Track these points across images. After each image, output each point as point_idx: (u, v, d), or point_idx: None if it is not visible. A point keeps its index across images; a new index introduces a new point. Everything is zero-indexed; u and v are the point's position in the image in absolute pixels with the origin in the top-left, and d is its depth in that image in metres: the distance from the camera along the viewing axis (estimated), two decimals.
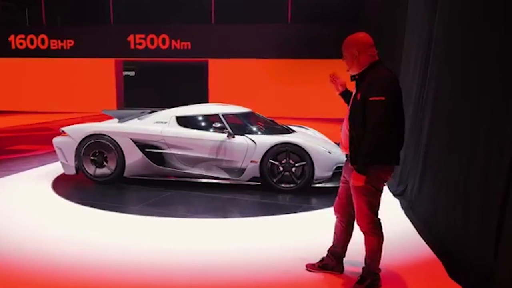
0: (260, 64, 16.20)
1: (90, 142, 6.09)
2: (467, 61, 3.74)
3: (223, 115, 6.16)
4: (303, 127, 6.93)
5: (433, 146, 4.48)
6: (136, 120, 6.42)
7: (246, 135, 5.97)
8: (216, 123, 6.00)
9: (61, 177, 6.48)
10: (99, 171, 6.15)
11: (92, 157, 6.13)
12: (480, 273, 3.02)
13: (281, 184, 5.77)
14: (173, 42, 16.78)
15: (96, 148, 6.11)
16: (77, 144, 6.11)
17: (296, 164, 5.69)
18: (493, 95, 3.17)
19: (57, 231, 4.37)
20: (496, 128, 3.06)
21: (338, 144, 3.45)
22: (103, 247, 3.93)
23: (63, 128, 6.33)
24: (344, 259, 3.39)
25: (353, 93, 3.06)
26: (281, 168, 5.73)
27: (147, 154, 6.03)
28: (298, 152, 5.66)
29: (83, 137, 6.10)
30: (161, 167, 6.03)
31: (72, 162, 6.17)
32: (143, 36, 16.87)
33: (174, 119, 6.23)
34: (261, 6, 16.41)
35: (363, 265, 3.17)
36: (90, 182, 6.21)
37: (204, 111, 6.47)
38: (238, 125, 6.25)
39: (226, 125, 6.02)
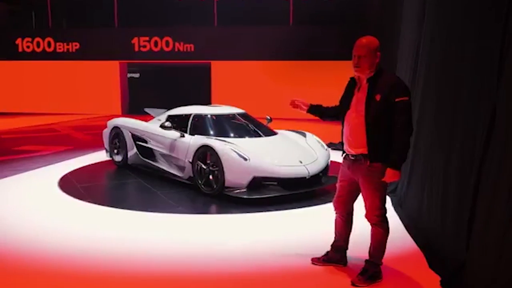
0: (262, 66, 16.38)
1: (113, 133, 7.41)
2: (448, 63, 3.96)
3: (194, 116, 6.48)
4: (301, 132, 6.68)
5: (419, 146, 4.70)
6: (155, 118, 7.25)
7: (197, 135, 6.10)
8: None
9: (67, 176, 6.76)
10: (117, 157, 7.40)
11: (114, 145, 7.42)
12: (454, 263, 3.25)
13: (204, 187, 5.67)
14: (177, 44, 17.03)
15: (116, 138, 7.38)
16: (108, 133, 7.49)
17: (217, 168, 5.48)
18: (466, 99, 3.41)
19: (63, 227, 4.61)
20: (468, 132, 3.29)
21: (340, 143, 3.44)
22: (106, 241, 4.19)
23: (108, 121, 7.72)
24: (348, 252, 3.59)
25: (366, 95, 3.12)
26: (207, 171, 5.63)
27: (137, 146, 6.98)
28: (216, 156, 5.47)
29: (111, 128, 7.50)
30: (144, 159, 6.83)
31: (108, 148, 7.57)
32: (147, 38, 17.15)
33: (166, 118, 6.84)
34: (263, 9, 16.61)
35: (367, 257, 3.36)
36: (94, 180, 6.66)
37: (187, 111, 6.76)
38: (210, 125, 6.37)
39: (189, 125, 6.34)
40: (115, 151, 7.42)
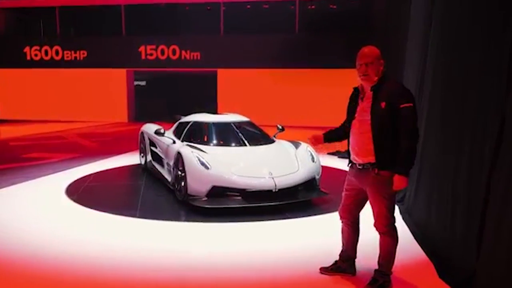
0: (268, 74, 16.44)
1: (140, 138, 7.92)
2: (455, 69, 3.95)
3: (192, 123, 6.66)
4: (296, 143, 6.37)
5: (427, 154, 4.67)
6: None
7: (185, 142, 6.19)
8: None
9: (74, 184, 6.78)
10: (142, 160, 7.87)
11: (141, 150, 7.93)
12: (464, 273, 3.21)
13: (178, 193, 5.68)
14: (183, 52, 17.16)
15: (142, 143, 7.86)
16: (138, 138, 8.06)
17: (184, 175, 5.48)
18: (475, 104, 3.39)
19: (69, 232, 4.64)
20: (477, 138, 3.27)
21: (346, 152, 3.43)
22: (110, 248, 4.20)
23: None
24: (356, 261, 3.55)
25: (370, 103, 3.14)
26: (179, 177, 5.64)
27: (151, 151, 7.26)
28: (183, 163, 5.48)
29: (140, 133, 8.00)
30: (153, 162, 7.07)
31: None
32: (153, 46, 17.29)
33: (177, 125, 7.13)
34: (269, 17, 16.72)
35: (376, 267, 3.33)
36: (99, 187, 6.66)
37: (190, 118, 6.93)
38: (197, 133, 6.43)
39: (184, 132, 6.53)
40: (141, 154, 7.91)
